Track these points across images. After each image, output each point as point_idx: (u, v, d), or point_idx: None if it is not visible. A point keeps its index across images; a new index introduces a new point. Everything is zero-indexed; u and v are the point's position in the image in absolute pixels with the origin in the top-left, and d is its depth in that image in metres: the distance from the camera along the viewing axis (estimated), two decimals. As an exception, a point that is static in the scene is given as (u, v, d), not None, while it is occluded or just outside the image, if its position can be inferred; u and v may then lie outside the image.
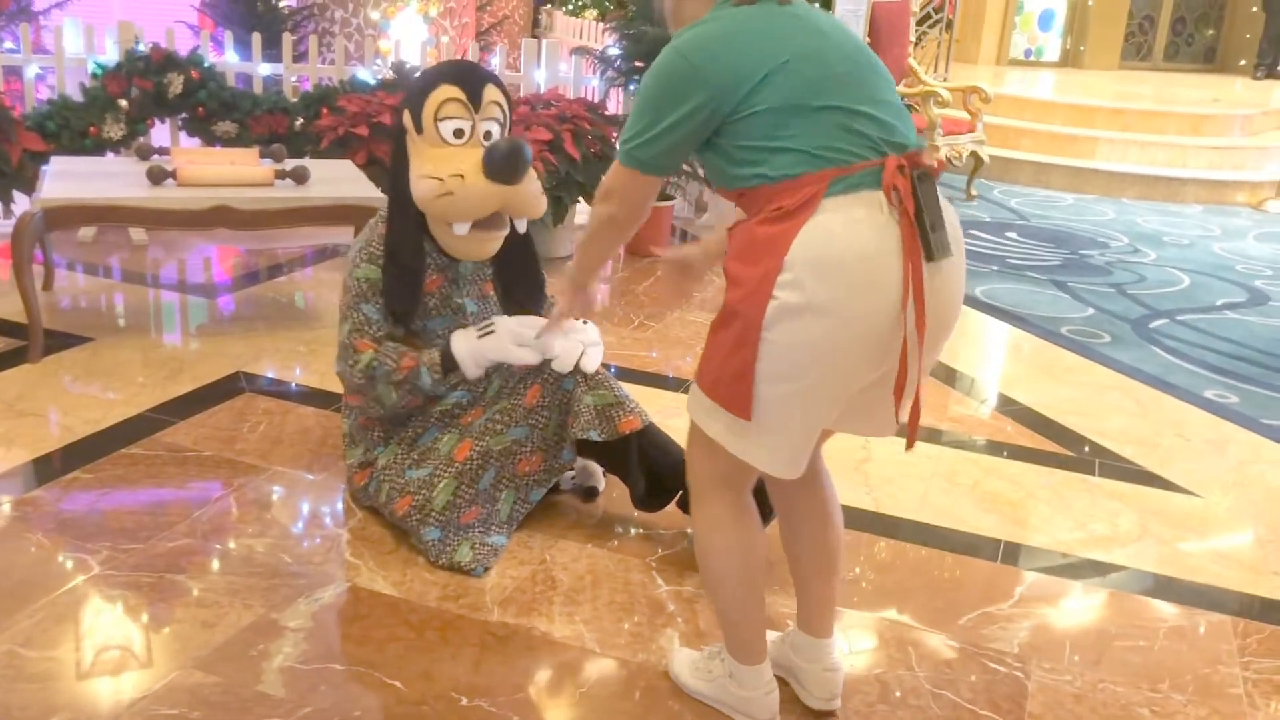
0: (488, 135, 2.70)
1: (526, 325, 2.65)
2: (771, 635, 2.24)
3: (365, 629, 2.34)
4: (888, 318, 1.76)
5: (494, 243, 2.75)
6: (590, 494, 2.95)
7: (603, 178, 2.00)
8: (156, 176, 3.73)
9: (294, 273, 4.79)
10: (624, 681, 2.23)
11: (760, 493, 2.22)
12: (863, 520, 2.93)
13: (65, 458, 2.98)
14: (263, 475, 2.96)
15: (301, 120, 4.97)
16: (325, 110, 4.93)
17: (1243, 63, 12.26)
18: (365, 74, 5.23)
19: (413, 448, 2.71)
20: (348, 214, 3.81)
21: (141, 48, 4.88)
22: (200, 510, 2.76)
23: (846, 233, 1.74)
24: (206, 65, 4.97)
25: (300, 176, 3.89)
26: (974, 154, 7.05)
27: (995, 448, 3.46)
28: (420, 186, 2.63)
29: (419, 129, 2.65)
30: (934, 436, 3.50)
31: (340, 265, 4.91)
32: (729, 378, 1.83)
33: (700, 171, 5.71)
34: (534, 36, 8.10)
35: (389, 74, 5.20)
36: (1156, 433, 3.67)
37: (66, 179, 3.80)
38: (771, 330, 1.76)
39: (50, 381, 3.47)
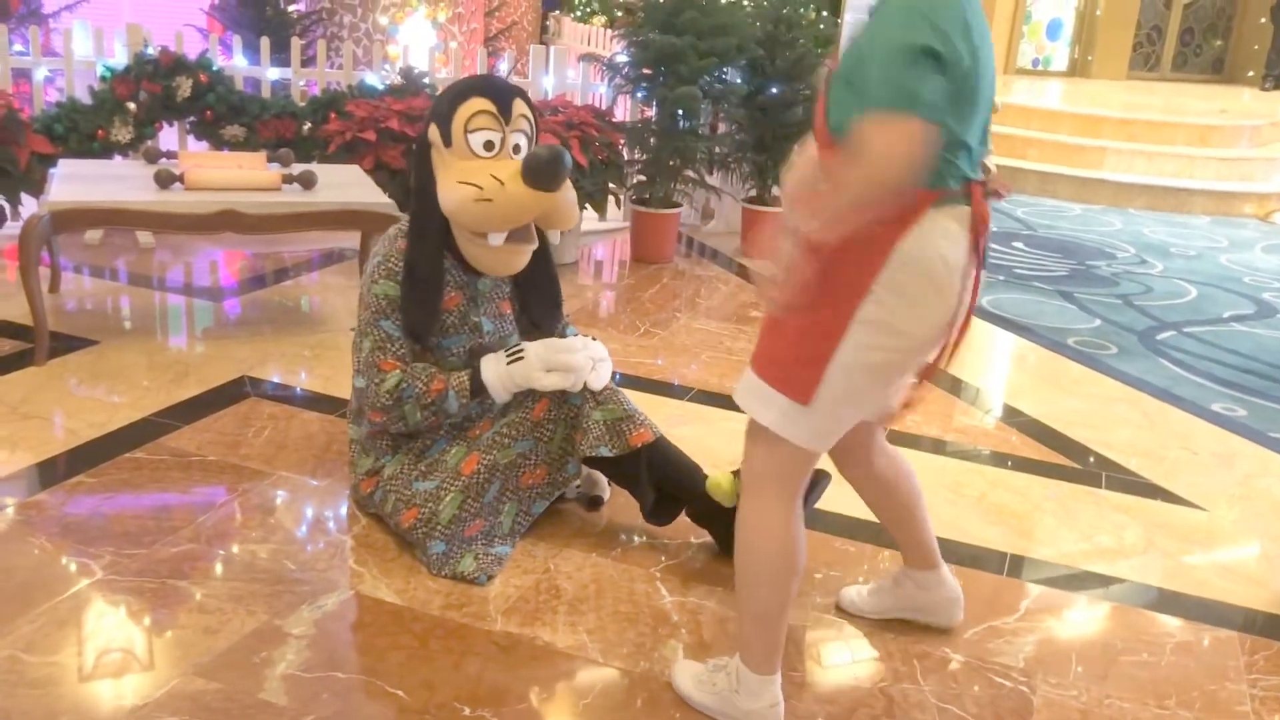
0: (516, 149, 2.66)
1: (555, 350, 2.61)
2: (865, 586, 2.53)
3: (368, 637, 2.33)
4: (948, 320, 1.91)
5: (523, 256, 2.70)
6: (595, 503, 2.94)
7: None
8: (164, 180, 3.73)
9: (300, 277, 4.79)
10: (627, 692, 2.22)
11: None
12: (868, 531, 2.92)
13: (69, 461, 2.98)
14: (267, 481, 2.96)
15: (309, 125, 4.98)
16: (333, 115, 4.93)
17: (1251, 74, 12.26)
18: (373, 79, 5.24)
19: (420, 459, 2.71)
20: (355, 219, 3.82)
21: (150, 51, 4.89)
22: (204, 515, 2.76)
23: (942, 243, 1.85)
24: (215, 69, 4.98)
25: (307, 181, 3.89)
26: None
27: (1001, 459, 3.44)
28: (456, 193, 2.57)
29: (448, 142, 2.61)
30: (939, 447, 3.49)
31: (346, 270, 4.91)
32: (799, 361, 1.90)
33: (707, 180, 5.72)
34: (542, 43, 8.11)
35: (397, 79, 5.21)
36: (1163, 445, 3.65)
37: (74, 182, 3.80)
38: (859, 325, 1.85)
39: (55, 384, 3.47)
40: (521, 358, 2.60)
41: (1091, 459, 3.50)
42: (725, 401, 3.68)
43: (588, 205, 5.12)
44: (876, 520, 2.98)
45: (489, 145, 2.61)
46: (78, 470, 2.93)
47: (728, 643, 2.39)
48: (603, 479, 2.95)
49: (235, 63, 5.43)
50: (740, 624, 2.12)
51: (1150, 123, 8.61)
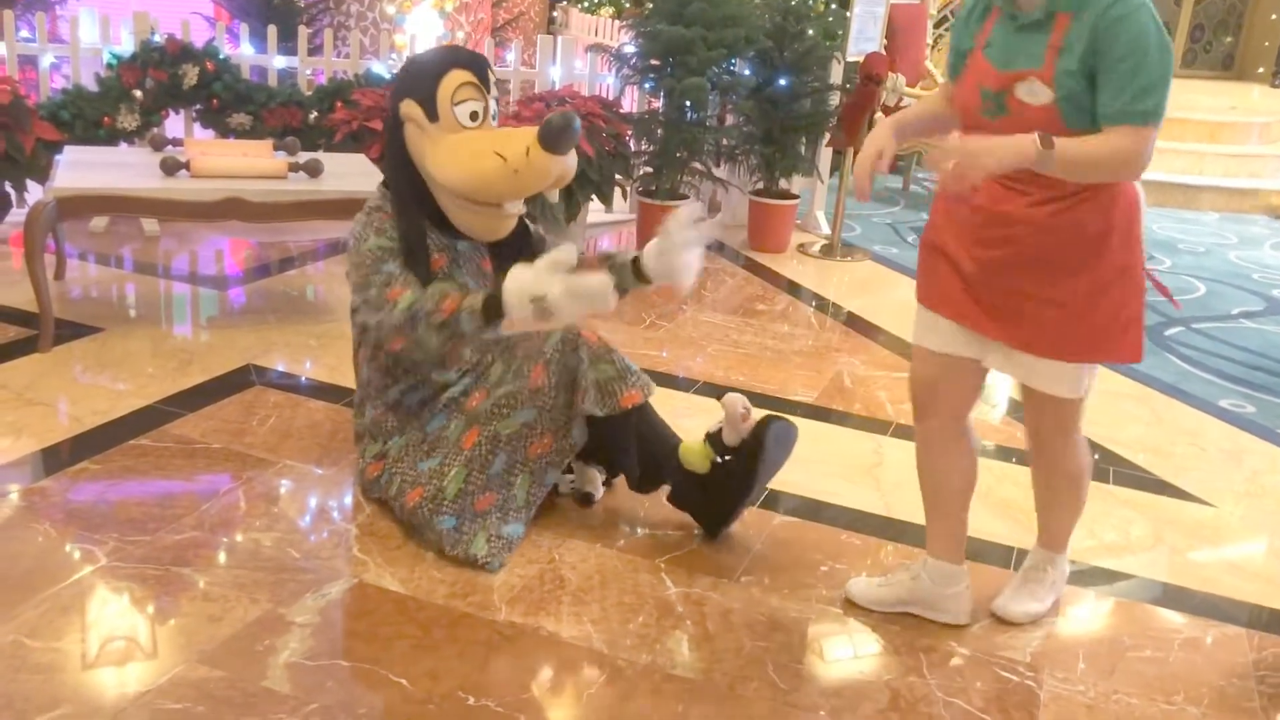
0: (492, 115, 2.74)
1: (576, 284, 2.45)
2: (875, 578, 2.58)
3: (372, 626, 2.32)
4: None
5: (514, 220, 2.78)
6: (587, 499, 2.91)
7: (1127, 149, 2.03)
8: (170, 168, 3.72)
9: (306, 266, 4.79)
10: (631, 682, 2.21)
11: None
12: (874, 524, 2.91)
13: (74, 448, 2.98)
14: (271, 469, 2.95)
15: (315, 114, 4.96)
16: (339, 104, 4.92)
17: (1261, 70, 12.19)
18: (380, 68, 5.22)
19: (425, 438, 2.70)
20: (360, 208, 3.78)
21: (157, 39, 4.87)
22: (208, 503, 2.75)
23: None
24: (221, 57, 4.96)
25: (314, 170, 3.87)
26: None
27: (1007, 453, 3.43)
28: (472, 166, 2.61)
29: (433, 117, 2.64)
30: (946, 441, 3.47)
31: (352, 259, 4.90)
32: (1120, 329, 2.16)
33: (714, 172, 5.70)
34: (549, 33, 8.09)
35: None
36: (1171, 441, 3.64)
37: (80, 169, 3.79)
38: (1130, 272, 2.14)
39: (60, 371, 3.46)
40: (549, 315, 2.48)
41: (1098, 455, 3.48)
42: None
43: (594, 196, 5.10)
44: (883, 517, 2.98)
45: (474, 115, 2.67)
46: (82, 457, 2.93)
47: (732, 634, 2.38)
48: (597, 477, 2.93)
49: (242, 51, 5.41)
50: (1059, 527, 2.50)
51: (1159, 119, 8.57)
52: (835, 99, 5.64)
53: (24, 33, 5.83)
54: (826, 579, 2.64)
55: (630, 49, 5.52)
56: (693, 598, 2.53)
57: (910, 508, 3.00)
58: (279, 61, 5.37)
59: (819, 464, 3.21)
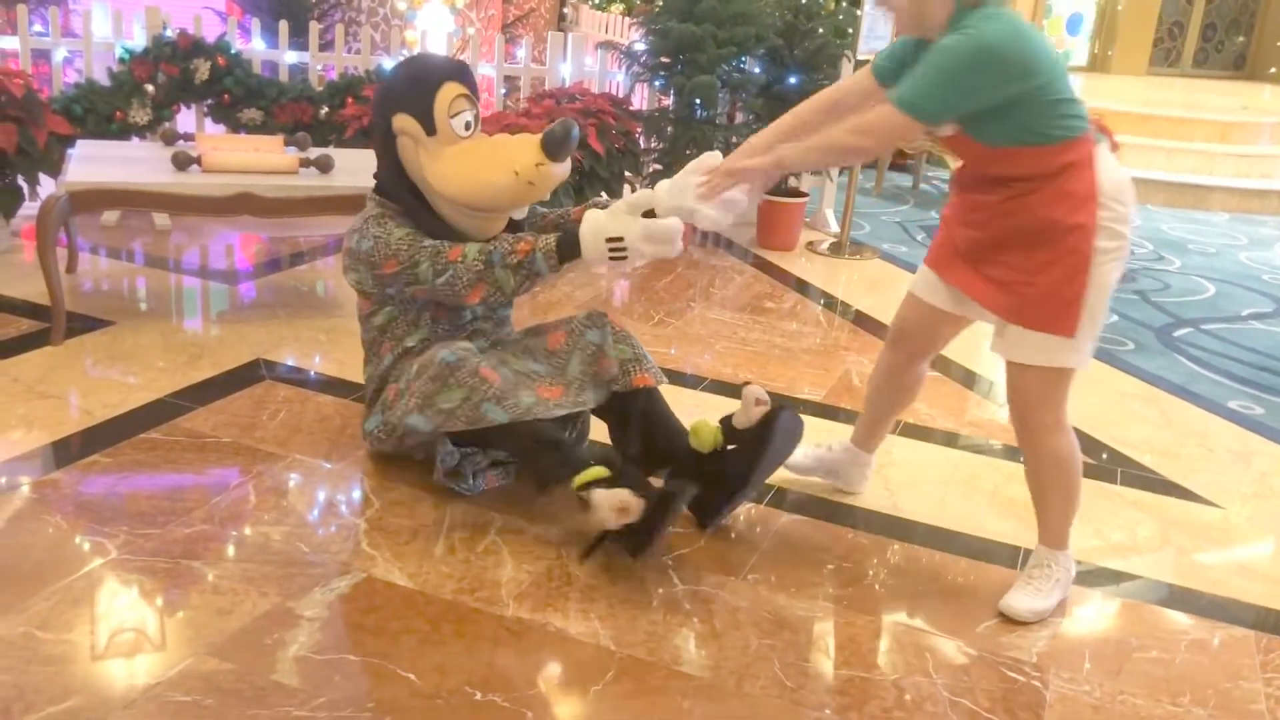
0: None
1: (652, 228, 2.60)
2: (811, 450, 3.03)
3: (380, 620, 2.34)
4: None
5: (506, 219, 2.89)
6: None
7: (864, 119, 2.38)
8: (181, 162, 3.73)
9: (316, 261, 4.80)
10: (638, 679, 2.22)
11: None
12: (881, 524, 2.91)
13: (85, 441, 2.99)
14: (281, 463, 2.97)
15: (326, 109, 4.98)
16: (350, 100, 4.93)
17: (1273, 70, 12.15)
18: (391, 64, 5.23)
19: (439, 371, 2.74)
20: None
21: (169, 33, 4.89)
22: (218, 497, 2.77)
23: (1116, 165, 2.39)
24: (233, 52, 4.98)
25: (324, 165, 3.89)
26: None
27: (1014, 453, 3.42)
28: (486, 178, 2.70)
29: (430, 130, 2.74)
30: (952, 440, 3.47)
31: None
32: (1064, 304, 2.35)
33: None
34: (560, 30, 8.08)
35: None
36: (1179, 442, 3.63)
37: (92, 163, 3.81)
38: (1098, 256, 2.33)
39: (71, 364, 3.48)
40: (624, 254, 2.60)
41: (1106, 455, 3.48)
42: (738, 392, 3.67)
43: (603, 193, 5.10)
44: (891, 516, 2.98)
45: (468, 125, 2.78)
46: (93, 450, 2.94)
47: (739, 632, 2.39)
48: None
49: (253, 46, 5.42)
50: (1054, 522, 2.59)
51: (1170, 119, 8.55)
52: (845, 97, 5.62)
53: (37, 27, 5.85)
54: (834, 577, 2.65)
55: (640, 46, 5.52)
56: (700, 595, 2.53)
57: (918, 507, 3.00)
58: (290, 57, 5.39)
59: (826, 462, 3.21)
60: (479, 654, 2.25)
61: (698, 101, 5.32)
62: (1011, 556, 2.81)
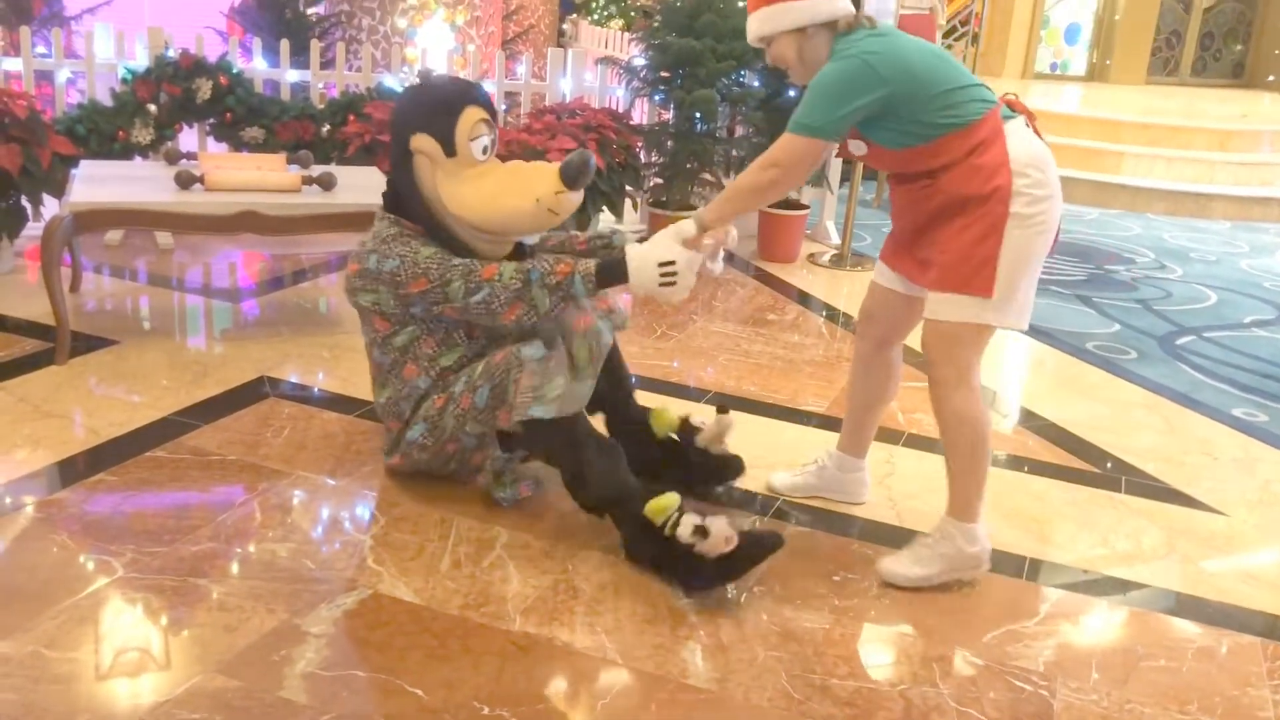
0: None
1: (681, 232, 2.70)
2: (795, 471, 3.09)
3: (387, 636, 2.34)
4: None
5: (515, 242, 2.93)
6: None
7: (767, 153, 2.54)
8: (184, 181, 3.75)
9: (319, 278, 4.81)
10: (645, 693, 2.22)
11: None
12: (886, 534, 2.91)
13: (90, 460, 3.00)
14: (286, 480, 2.97)
15: (328, 127, 5.00)
16: (352, 117, 4.96)
17: (1271, 78, 12.18)
18: (392, 81, 5.26)
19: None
20: (373, 221, 3.82)
21: (171, 53, 4.92)
22: (224, 514, 2.77)
23: (1031, 137, 2.50)
24: (235, 71, 5.00)
25: (327, 183, 3.90)
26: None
27: (1018, 463, 3.43)
28: (510, 204, 2.74)
29: (450, 152, 2.76)
30: (958, 451, 3.47)
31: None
32: (977, 265, 2.45)
33: (724, 183, 5.71)
34: (559, 46, 8.12)
35: (415, 81, 5.22)
36: (1183, 450, 3.63)
37: (96, 183, 3.83)
38: (1013, 220, 2.43)
39: (76, 383, 3.49)
40: (674, 279, 2.63)
41: (1110, 464, 3.48)
42: (741, 404, 3.68)
43: (605, 208, 5.12)
44: (895, 527, 2.98)
45: (485, 149, 2.81)
46: (99, 469, 2.95)
47: (746, 644, 2.39)
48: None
49: (255, 65, 5.45)
50: (957, 489, 2.63)
51: (1169, 127, 8.57)
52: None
53: (40, 49, 5.88)
54: (839, 589, 2.65)
55: (640, 61, 5.54)
56: (706, 608, 2.53)
57: (922, 518, 3.00)
58: (292, 75, 5.42)
59: (831, 474, 3.21)
60: (486, 669, 2.26)
61: (698, 115, 5.34)
62: (1017, 566, 2.81)
